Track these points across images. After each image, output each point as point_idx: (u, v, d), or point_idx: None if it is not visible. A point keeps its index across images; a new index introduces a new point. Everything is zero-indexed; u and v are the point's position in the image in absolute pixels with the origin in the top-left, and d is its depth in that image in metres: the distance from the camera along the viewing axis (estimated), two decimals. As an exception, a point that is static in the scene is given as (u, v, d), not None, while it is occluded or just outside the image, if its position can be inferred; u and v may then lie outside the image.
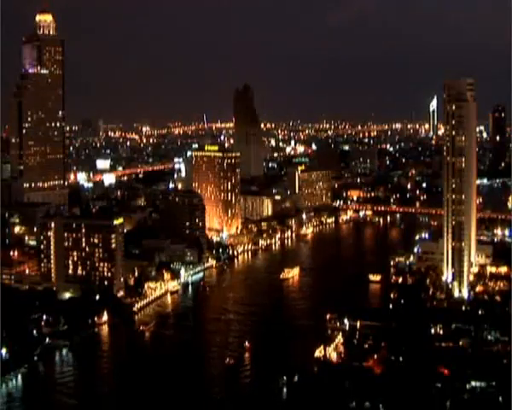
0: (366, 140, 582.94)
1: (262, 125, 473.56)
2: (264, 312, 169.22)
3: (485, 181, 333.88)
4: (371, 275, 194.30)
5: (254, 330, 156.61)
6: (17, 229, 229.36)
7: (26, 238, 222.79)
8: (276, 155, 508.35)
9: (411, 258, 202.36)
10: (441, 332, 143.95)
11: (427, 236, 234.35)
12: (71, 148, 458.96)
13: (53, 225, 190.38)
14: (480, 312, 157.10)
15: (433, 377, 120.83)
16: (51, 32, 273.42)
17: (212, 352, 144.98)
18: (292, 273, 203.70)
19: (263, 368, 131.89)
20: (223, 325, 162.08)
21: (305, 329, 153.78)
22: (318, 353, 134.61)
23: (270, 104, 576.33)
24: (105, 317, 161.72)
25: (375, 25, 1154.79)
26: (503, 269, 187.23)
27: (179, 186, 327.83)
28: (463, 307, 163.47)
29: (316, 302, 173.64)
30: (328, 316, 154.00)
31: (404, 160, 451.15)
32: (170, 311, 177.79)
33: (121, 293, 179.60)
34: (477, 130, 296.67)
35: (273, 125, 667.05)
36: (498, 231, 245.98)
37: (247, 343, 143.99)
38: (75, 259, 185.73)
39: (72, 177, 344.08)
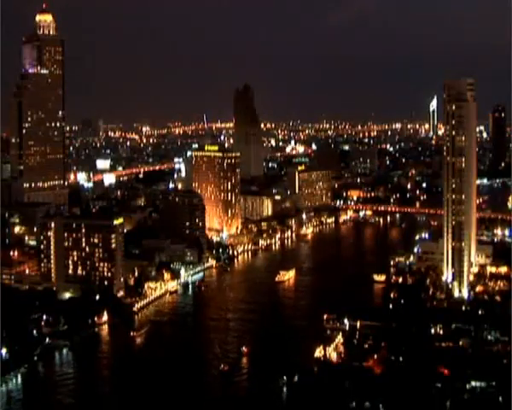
0: (366, 140, 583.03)
1: (262, 125, 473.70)
2: (262, 315, 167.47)
3: (485, 181, 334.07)
4: (376, 275, 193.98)
5: (252, 334, 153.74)
6: (17, 229, 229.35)
7: (26, 238, 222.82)
8: (276, 155, 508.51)
9: (411, 258, 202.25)
10: (441, 332, 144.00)
11: (427, 236, 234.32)
12: (71, 148, 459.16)
13: (53, 225, 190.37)
14: (480, 312, 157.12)
15: (433, 377, 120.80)
16: (51, 32, 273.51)
17: (208, 358, 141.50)
18: (287, 276, 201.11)
19: (260, 373, 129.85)
20: (219, 328, 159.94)
21: (303, 332, 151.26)
22: (318, 353, 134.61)
23: (270, 104, 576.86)
24: (105, 317, 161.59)
25: (375, 25, 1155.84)
26: (503, 269, 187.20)
27: (179, 186, 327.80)
28: (463, 307, 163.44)
29: (316, 304, 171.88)
30: (325, 316, 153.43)
31: (404, 160, 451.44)
32: (166, 314, 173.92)
33: (121, 293, 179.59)
34: (477, 130, 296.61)
35: (273, 125, 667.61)
36: (498, 231, 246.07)
37: (244, 348, 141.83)
38: (75, 259, 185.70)
39: (72, 177, 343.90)
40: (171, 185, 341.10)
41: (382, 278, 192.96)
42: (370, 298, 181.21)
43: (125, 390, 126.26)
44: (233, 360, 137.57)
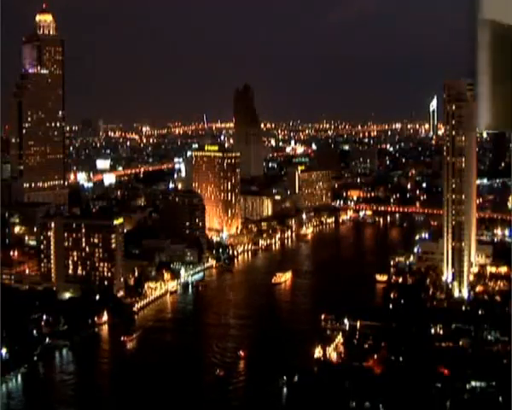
0: (366, 140, 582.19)
1: (262, 125, 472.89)
2: (260, 317, 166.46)
3: (485, 181, 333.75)
4: (378, 275, 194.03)
5: (249, 337, 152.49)
6: (17, 229, 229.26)
7: (26, 238, 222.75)
8: (276, 155, 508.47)
9: (411, 258, 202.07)
10: (441, 332, 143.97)
11: (427, 236, 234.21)
12: (71, 148, 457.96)
13: (53, 225, 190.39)
14: (480, 312, 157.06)
15: (433, 377, 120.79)
16: (51, 32, 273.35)
17: (204, 363, 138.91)
18: (284, 278, 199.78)
19: (258, 376, 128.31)
20: (216, 332, 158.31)
21: (301, 334, 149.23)
22: (318, 353, 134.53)
23: (270, 104, 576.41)
24: (105, 317, 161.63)
25: (375, 25, 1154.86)
26: (503, 269, 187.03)
27: (179, 186, 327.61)
28: (463, 307, 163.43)
29: (315, 305, 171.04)
30: (322, 316, 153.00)
31: (404, 160, 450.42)
32: (161, 316, 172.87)
33: (121, 293, 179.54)
34: (477, 130, 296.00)
35: (273, 125, 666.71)
36: (498, 231, 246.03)
37: (241, 352, 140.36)
38: (75, 259, 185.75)
39: (72, 177, 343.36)
40: (171, 185, 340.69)
41: (384, 278, 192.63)
42: (371, 298, 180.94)
43: (120, 396, 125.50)
44: (229, 365, 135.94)
